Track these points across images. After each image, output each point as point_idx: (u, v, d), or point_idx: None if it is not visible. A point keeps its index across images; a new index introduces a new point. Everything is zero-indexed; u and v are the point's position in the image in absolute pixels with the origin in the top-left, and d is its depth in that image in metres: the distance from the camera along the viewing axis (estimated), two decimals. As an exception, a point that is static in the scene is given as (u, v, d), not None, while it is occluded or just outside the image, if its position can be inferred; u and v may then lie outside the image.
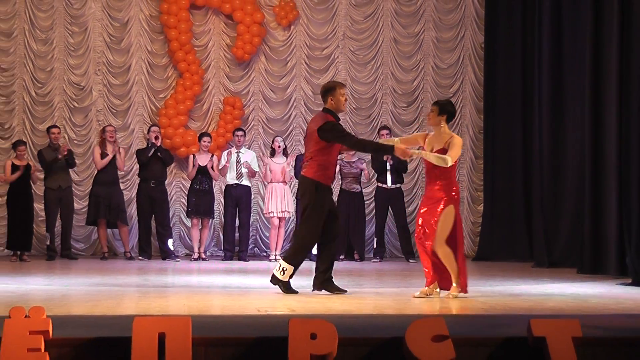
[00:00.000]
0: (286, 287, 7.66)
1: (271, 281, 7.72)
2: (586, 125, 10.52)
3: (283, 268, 7.64)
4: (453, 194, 7.38)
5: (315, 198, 7.63)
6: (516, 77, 13.04)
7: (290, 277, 7.68)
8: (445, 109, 7.53)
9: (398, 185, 12.49)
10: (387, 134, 12.21)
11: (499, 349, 4.82)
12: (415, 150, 7.51)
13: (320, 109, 14.45)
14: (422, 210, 7.50)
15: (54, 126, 12.47)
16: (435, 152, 7.39)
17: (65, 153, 12.15)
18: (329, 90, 7.81)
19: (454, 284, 7.34)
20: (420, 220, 7.48)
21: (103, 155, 12.31)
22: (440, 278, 7.45)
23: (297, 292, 7.63)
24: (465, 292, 7.38)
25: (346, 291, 7.62)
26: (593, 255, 10.24)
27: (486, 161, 13.54)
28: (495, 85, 13.37)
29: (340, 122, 7.80)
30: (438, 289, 7.46)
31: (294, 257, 7.72)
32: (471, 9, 13.90)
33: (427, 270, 7.49)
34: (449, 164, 7.30)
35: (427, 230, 7.40)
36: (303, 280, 8.57)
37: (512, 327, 5.26)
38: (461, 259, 7.38)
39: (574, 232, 11.21)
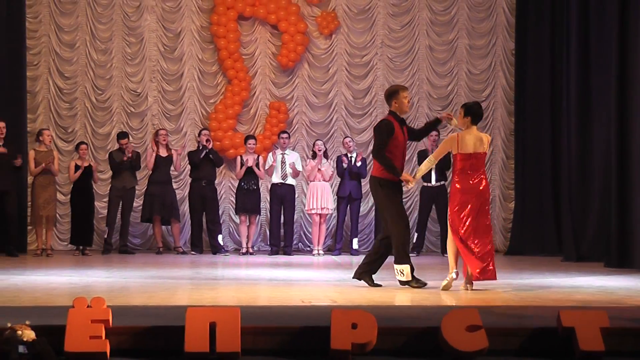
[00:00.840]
0: (416, 283, 7.42)
1: (401, 284, 7.47)
2: (612, 126, 10.38)
3: (400, 270, 7.42)
4: (447, 191, 7.40)
5: (382, 194, 7.51)
6: (545, 81, 12.90)
7: (412, 270, 7.42)
8: (470, 111, 7.47)
9: (442, 182, 12.42)
10: (436, 135, 12.38)
11: (530, 339, 4.79)
12: (417, 176, 7.80)
13: (359, 112, 14.26)
14: None
15: (125, 136, 12.44)
16: (479, 152, 7.35)
17: (131, 155, 12.26)
18: (392, 93, 7.73)
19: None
20: None
21: (157, 157, 12.38)
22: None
23: (425, 284, 7.39)
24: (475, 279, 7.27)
25: (380, 285, 7.53)
26: (619, 250, 10.11)
27: (517, 161, 13.44)
28: (525, 89, 13.24)
29: (405, 123, 7.77)
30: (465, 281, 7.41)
31: (400, 255, 7.43)
32: (502, 18, 13.78)
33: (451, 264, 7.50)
34: (433, 162, 7.62)
35: None
36: (344, 274, 8.56)
37: (543, 318, 5.22)
38: (459, 247, 7.27)
39: (601, 228, 11.06)
